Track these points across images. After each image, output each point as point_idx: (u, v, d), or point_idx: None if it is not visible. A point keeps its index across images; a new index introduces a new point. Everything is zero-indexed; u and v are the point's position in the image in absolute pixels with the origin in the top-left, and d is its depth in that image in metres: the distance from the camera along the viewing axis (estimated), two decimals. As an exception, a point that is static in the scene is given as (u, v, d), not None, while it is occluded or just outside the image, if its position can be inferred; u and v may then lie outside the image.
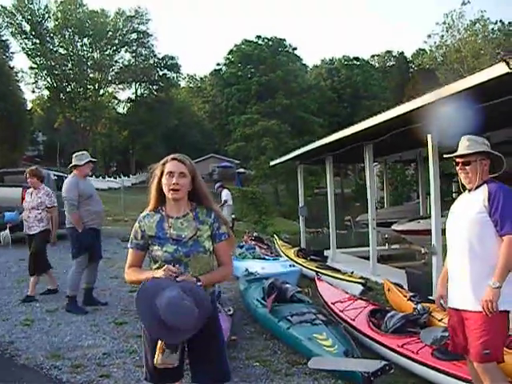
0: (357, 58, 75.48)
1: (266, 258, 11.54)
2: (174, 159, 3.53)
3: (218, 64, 70.29)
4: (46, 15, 63.60)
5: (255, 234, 15.85)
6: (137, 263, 3.59)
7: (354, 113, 59.93)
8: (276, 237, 15.77)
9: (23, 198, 15.16)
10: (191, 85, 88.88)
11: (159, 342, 3.29)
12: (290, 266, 10.26)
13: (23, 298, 8.82)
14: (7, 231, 9.94)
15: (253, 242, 14.09)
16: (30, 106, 67.39)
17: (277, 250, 13.96)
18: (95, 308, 8.40)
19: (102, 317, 7.89)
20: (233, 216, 18.28)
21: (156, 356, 3.29)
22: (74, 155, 8.67)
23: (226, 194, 18.32)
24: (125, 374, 5.49)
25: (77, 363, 5.84)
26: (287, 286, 7.50)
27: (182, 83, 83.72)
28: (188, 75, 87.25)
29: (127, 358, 6.01)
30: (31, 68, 64.93)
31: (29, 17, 61.36)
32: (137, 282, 3.44)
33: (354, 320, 6.40)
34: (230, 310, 7.64)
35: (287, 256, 12.56)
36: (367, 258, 11.80)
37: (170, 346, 3.30)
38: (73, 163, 8.52)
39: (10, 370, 5.77)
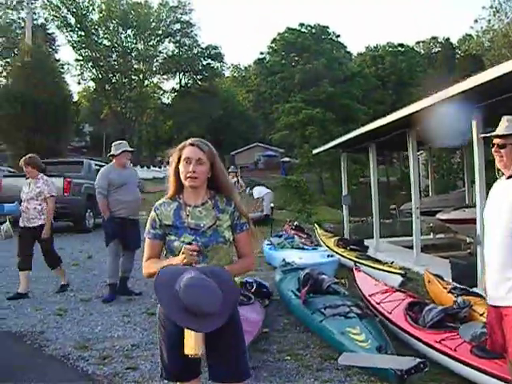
0: (401, 45, 74.42)
1: (305, 247, 11.32)
2: (191, 145, 3.32)
3: (262, 53, 70.17)
4: (91, 8, 64.16)
5: (296, 223, 15.61)
6: (155, 254, 3.39)
7: (399, 100, 59.01)
8: (317, 226, 15.53)
9: (64, 188, 15.44)
10: (235, 74, 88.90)
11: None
12: (328, 256, 10.02)
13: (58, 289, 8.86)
14: (7, 223, 9.42)
15: (293, 232, 13.88)
16: (76, 97, 68.36)
17: (317, 240, 13.73)
18: (129, 298, 8.35)
19: (134, 307, 7.83)
20: (272, 205, 18.07)
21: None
22: (112, 144, 8.75)
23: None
24: (152, 366, 5.35)
25: (104, 354, 5.77)
26: (323, 276, 7.29)
27: (227, 73, 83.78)
28: (232, 65, 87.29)
29: (156, 350, 5.79)
30: (77, 60, 65.67)
31: (74, 10, 61.92)
32: (156, 273, 3.17)
33: (390, 313, 6.12)
34: (264, 301, 7.48)
35: (327, 246, 12.34)
36: (411, 248, 11.48)
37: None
38: (111, 152, 8.67)
39: (36, 361, 5.71)
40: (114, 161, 8.62)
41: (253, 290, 7.28)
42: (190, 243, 3.20)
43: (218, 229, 3.27)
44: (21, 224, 8.61)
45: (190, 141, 3.37)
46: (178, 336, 3.08)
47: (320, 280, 7.13)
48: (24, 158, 8.71)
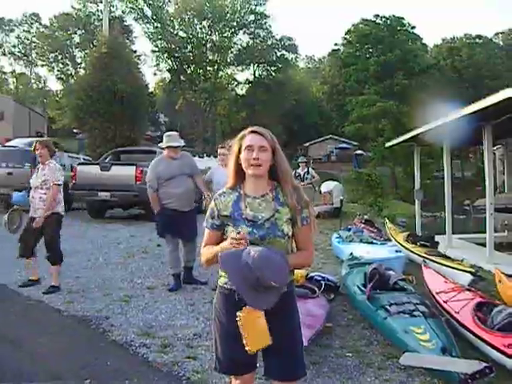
0: (479, 36, 72.42)
1: (374, 241, 11.13)
2: (252, 132, 3.28)
3: (336, 44, 69.59)
4: (167, 0, 65.02)
5: (366, 216, 15.38)
6: (212, 244, 3.34)
7: (476, 93, 57.46)
8: (387, 220, 15.27)
9: (136, 177, 15.67)
10: (309, 66, 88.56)
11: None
12: (397, 251, 9.81)
13: (23, 283, 8.35)
14: (6, 216, 8.59)
15: (362, 225, 13.68)
16: (152, 88, 69.48)
17: (387, 234, 13.49)
18: (194, 287, 8.38)
19: (199, 296, 7.86)
20: (341, 198, 17.87)
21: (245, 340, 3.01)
22: (164, 135, 8.67)
23: None
24: (211, 357, 5.26)
25: (166, 343, 5.82)
26: (390, 272, 7.13)
27: (301, 64, 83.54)
28: (306, 56, 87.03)
29: (216, 339, 5.87)
30: (153, 51, 66.76)
31: (150, 2, 62.87)
32: (212, 258, 3.25)
33: (457, 313, 5.90)
34: (330, 295, 7.40)
35: (396, 240, 12.10)
36: (484, 246, 11.12)
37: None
38: (161, 144, 8.64)
39: (99, 346, 5.80)
40: (165, 152, 8.55)
41: (322, 288, 7.20)
42: (238, 232, 3.14)
43: (277, 222, 3.19)
44: (30, 214, 8.15)
45: (250, 128, 3.32)
46: (233, 328, 3.06)
47: (387, 276, 6.98)
48: (40, 140, 8.46)
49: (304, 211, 3.25)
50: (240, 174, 3.30)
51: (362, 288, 6.88)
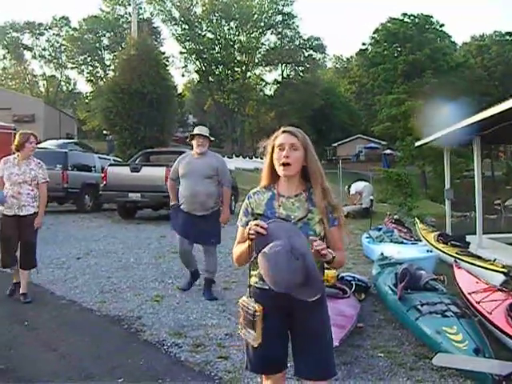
0: (509, 33, 71.39)
1: (404, 241, 11.08)
2: (284, 131, 3.28)
3: (364, 44, 69.25)
4: (194, 1, 65.35)
5: (396, 216, 15.32)
6: (242, 240, 3.30)
7: (506, 91, 56.75)
8: (417, 220, 15.17)
9: (166, 177, 15.76)
10: (337, 65, 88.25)
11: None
12: (428, 251, 9.74)
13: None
14: None
15: (392, 225, 13.63)
16: (180, 89, 69.83)
17: (417, 234, 13.41)
18: (225, 287, 8.39)
19: (230, 296, 7.84)
20: (371, 197, 17.80)
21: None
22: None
23: None
24: (243, 357, 5.30)
25: (198, 342, 5.82)
26: (421, 272, 7.08)
27: (329, 64, 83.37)
28: (334, 56, 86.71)
29: (248, 340, 5.88)
30: (181, 53, 67.24)
31: (178, 4, 63.27)
32: (243, 254, 3.23)
33: (490, 313, 5.85)
34: (360, 295, 7.39)
35: (427, 240, 12.02)
36: (517, 245, 11.00)
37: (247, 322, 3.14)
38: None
39: (131, 345, 5.84)
40: (194, 149, 7.95)
41: (352, 288, 7.19)
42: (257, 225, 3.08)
43: (309, 222, 3.18)
44: (6, 212, 7.37)
45: (283, 128, 3.33)
46: (266, 327, 3.09)
47: (418, 276, 6.93)
48: (30, 134, 7.57)
49: (333, 213, 3.24)
50: (274, 174, 3.31)
51: (393, 288, 6.84)
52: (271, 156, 3.29)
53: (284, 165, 3.18)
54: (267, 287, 3.10)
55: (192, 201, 7.69)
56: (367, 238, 11.81)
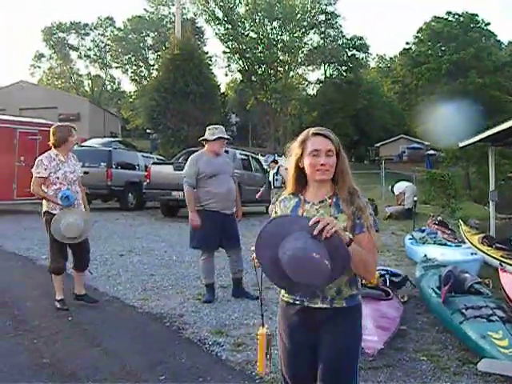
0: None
1: (448, 243, 10.94)
2: (317, 134, 3.03)
3: (408, 43, 68.48)
4: (237, 1, 65.40)
5: (439, 218, 15.13)
6: None
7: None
8: (461, 222, 14.96)
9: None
10: (380, 65, 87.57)
11: (260, 345, 2.98)
12: (472, 253, 9.60)
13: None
14: (75, 216, 6.82)
15: (436, 227, 13.46)
16: (223, 88, 70.18)
17: (461, 236, 13.22)
18: (267, 286, 8.37)
19: (272, 296, 7.82)
20: (415, 198, 17.60)
21: (261, 364, 2.94)
22: (207, 128, 7.93)
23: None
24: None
25: (239, 341, 5.83)
26: (466, 275, 6.98)
27: (371, 64, 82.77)
28: (377, 55, 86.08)
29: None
30: (224, 52, 67.39)
31: (221, 3, 63.42)
32: None
33: (537, 319, 5.74)
34: (403, 297, 7.32)
35: (471, 243, 11.83)
36: None
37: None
38: (204, 137, 7.84)
39: (174, 343, 5.88)
40: (206, 147, 7.78)
41: (387, 284, 7.14)
42: None
43: None
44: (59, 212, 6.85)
45: (314, 130, 3.08)
46: (290, 343, 3.05)
47: (462, 279, 6.84)
48: (70, 127, 7.15)
49: (360, 218, 2.94)
50: (300, 179, 3.11)
51: (437, 291, 6.76)
52: (298, 160, 3.08)
53: (321, 171, 2.97)
54: (291, 301, 3.04)
55: (226, 198, 7.64)
56: (410, 239, 11.70)
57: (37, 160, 6.94)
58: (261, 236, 2.82)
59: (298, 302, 2.99)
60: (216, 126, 7.89)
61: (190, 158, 7.93)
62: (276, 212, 3.19)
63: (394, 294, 6.84)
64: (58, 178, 6.82)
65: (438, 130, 52.58)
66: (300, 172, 3.09)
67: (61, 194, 6.71)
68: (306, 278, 2.69)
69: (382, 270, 7.72)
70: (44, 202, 6.96)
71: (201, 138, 7.92)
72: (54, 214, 6.75)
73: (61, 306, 6.92)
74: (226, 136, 7.81)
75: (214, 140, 7.65)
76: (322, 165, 2.95)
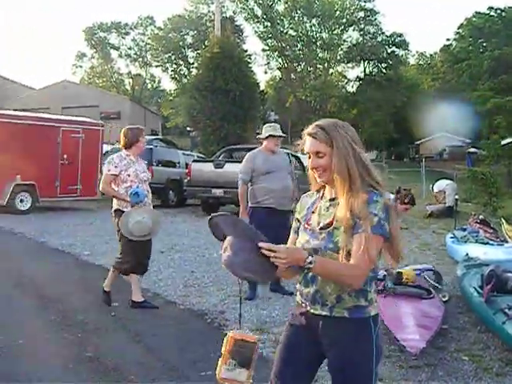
0: None
1: (490, 242, 10.79)
2: (308, 135, 2.80)
3: (448, 39, 67.68)
4: (276, -1, 65.50)
5: (481, 216, 14.93)
6: None
7: None
8: (503, 220, 14.76)
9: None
10: (420, 62, 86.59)
11: (223, 347, 2.70)
12: (515, 253, 9.47)
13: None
14: (144, 214, 6.76)
15: (477, 225, 13.29)
16: (262, 86, 70.21)
17: (503, 235, 13.04)
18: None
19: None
20: (456, 197, 17.39)
21: (218, 367, 2.66)
22: (263, 126, 8.06)
23: None
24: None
25: (279, 339, 5.84)
26: (509, 274, 6.85)
27: (411, 60, 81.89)
28: (417, 52, 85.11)
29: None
30: (263, 50, 67.51)
31: (260, 1, 63.52)
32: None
33: None
34: (444, 296, 7.26)
35: (514, 242, 11.68)
36: None
37: (239, 358, 2.66)
38: (259, 135, 8.01)
39: (215, 340, 5.87)
40: (264, 144, 7.85)
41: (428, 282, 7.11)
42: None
43: (334, 232, 2.70)
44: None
45: (306, 131, 2.83)
46: (284, 349, 2.98)
47: (505, 278, 6.72)
48: (141, 129, 7.26)
49: (363, 219, 2.64)
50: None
51: (479, 290, 6.69)
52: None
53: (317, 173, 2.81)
54: (300, 301, 2.87)
55: (283, 195, 7.63)
56: (452, 237, 11.58)
57: (108, 158, 7.05)
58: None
59: (303, 305, 2.83)
60: (271, 124, 8.04)
61: (246, 155, 8.02)
62: (296, 209, 3.04)
63: (435, 293, 6.79)
64: (128, 176, 6.85)
65: (479, 128, 52.07)
66: None
67: (131, 190, 6.78)
68: (240, 271, 2.63)
69: (418, 269, 7.68)
70: (114, 200, 6.99)
71: (258, 136, 8.10)
72: (123, 211, 6.81)
73: (146, 304, 7.08)
74: (277, 134, 7.79)
75: (267, 138, 7.75)
76: (312, 168, 2.81)
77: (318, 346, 2.80)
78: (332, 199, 2.80)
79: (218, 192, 15.93)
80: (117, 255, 7.08)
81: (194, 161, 18.34)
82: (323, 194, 2.88)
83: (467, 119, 54.12)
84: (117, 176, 6.85)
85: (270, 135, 7.74)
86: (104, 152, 18.38)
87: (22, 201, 16.01)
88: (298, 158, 20.30)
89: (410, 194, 7.86)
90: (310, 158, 2.80)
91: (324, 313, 2.73)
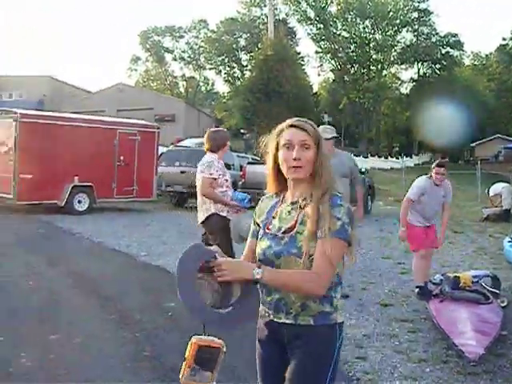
0: None
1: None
2: (291, 126, 2.64)
3: (504, 39, 66.42)
4: (329, 0, 65.24)
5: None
6: (247, 255, 2.81)
7: None
8: None
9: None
10: (475, 62, 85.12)
11: (187, 352, 2.53)
12: None
13: None
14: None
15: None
16: (316, 88, 70.14)
17: None
18: (363, 287, 8.36)
19: (368, 296, 7.83)
20: (512, 200, 17.08)
21: (182, 370, 2.51)
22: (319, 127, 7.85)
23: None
24: (381, 358, 5.35)
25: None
26: None
27: (466, 61, 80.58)
28: (472, 52, 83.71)
29: (387, 341, 5.86)
30: (316, 52, 67.49)
31: (313, 3, 63.51)
32: None
33: None
34: (503, 302, 7.15)
35: None
36: None
37: (203, 362, 2.54)
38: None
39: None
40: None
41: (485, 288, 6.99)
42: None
43: (297, 236, 2.56)
44: (228, 215, 6.92)
45: (289, 121, 2.69)
46: (260, 357, 2.80)
47: None
48: (226, 131, 7.39)
49: (329, 222, 2.49)
50: (281, 178, 2.71)
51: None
52: (275, 156, 2.69)
53: (294, 167, 2.59)
54: (263, 312, 2.71)
55: None
56: (510, 242, 11.37)
57: (206, 162, 6.88)
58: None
59: (267, 314, 2.68)
60: (327, 126, 7.76)
61: None
62: (255, 213, 2.88)
63: (493, 298, 6.70)
64: (226, 181, 6.87)
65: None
66: (278, 169, 2.70)
67: (241, 196, 6.86)
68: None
69: (476, 275, 7.57)
70: (211, 204, 6.88)
71: None
72: (223, 216, 6.79)
73: None
74: (328, 136, 7.29)
75: (329, 139, 7.35)
76: (294, 159, 2.57)
77: (284, 354, 2.67)
78: (293, 202, 2.66)
79: (273, 194, 15.99)
80: None
81: (249, 163, 18.43)
82: (283, 197, 2.75)
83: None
84: (215, 180, 6.79)
85: (331, 137, 7.45)
86: (159, 154, 18.65)
87: (79, 202, 16.32)
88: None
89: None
90: (288, 149, 2.60)
91: (288, 321, 2.60)
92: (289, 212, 2.64)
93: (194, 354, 2.50)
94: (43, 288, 7.86)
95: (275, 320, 2.63)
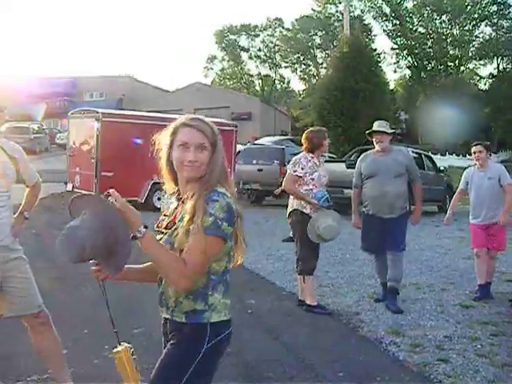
0: None
1: None
2: (187, 125, 2.59)
3: None
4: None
5: None
6: None
7: None
8: None
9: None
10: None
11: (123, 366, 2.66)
12: None
13: None
14: (332, 217, 6.98)
15: None
16: (392, 85, 69.24)
17: None
18: (443, 288, 8.28)
19: (448, 297, 7.77)
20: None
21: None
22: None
23: None
24: (463, 361, 5.31)
25: (416, 343, 5.85)
26: None
27: (551, 55, 77.82)
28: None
29: (469, 344, 5.80)
30: (392, 49, 66.52)
31: (388, -1, 62.71)
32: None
33: None
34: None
35: None
36: None
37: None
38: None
39: (351, 341, 6.02)
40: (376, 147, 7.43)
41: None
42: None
43: (174, 232, 2.58)
44: (310, 212, 6.95)
45: (183, 120, 2.63)
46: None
47: None
48: (324, 130, 7.29)
49: (201, 218, 2.44)
50: (175, 174, 2.68)
51: None
52: (169, 153, 2.65)
53: (189, 167, 2.55)
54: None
55: (380, 202, 7.18)
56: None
57: (294, 159, 7.10)
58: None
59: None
60: (379, 122, 7.55)
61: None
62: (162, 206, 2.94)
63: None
64: (312, 180, 6.90)
65: None
66: (172, 166, 2.66)
67: (320, 194, 6.87)
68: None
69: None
70: (293, 200, 7.05)
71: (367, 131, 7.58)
72: (305, 213, 6.89)
73: (319, 310, 7.01)
74: (380, 128, 7.30)
75: (372, 134, 7.40)
76: (190, 161, 2.54)
77: None
78: (179, 199, 2.67)
79: (350, 193, 15.85)
80: (296, 259, 7.22)
81: (326, 161, 18.34)
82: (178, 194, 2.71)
83: None
84: (300, 177, 6.90)
85: (373, 131, 7.37)
86: (237, 152, 18.83)
87: (159, 199, 16.62)
88: (430, 158, 19.86)
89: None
90: (183, 149, 2.56)
91: (168, 316, 2.64)
92: (175, 208, 2.67)
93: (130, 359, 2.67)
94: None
95: (161, 314, 2.70)
